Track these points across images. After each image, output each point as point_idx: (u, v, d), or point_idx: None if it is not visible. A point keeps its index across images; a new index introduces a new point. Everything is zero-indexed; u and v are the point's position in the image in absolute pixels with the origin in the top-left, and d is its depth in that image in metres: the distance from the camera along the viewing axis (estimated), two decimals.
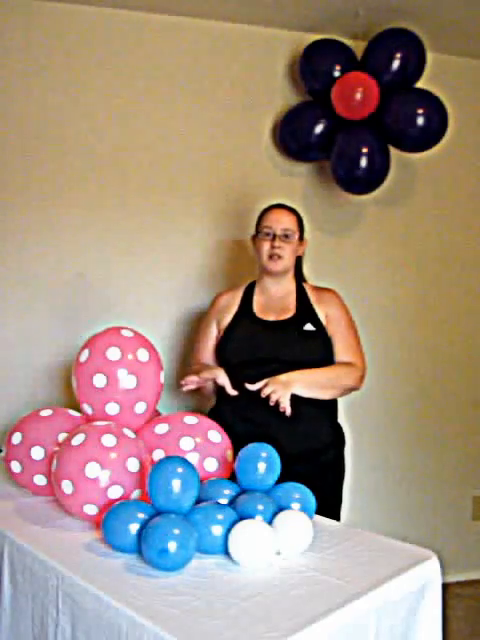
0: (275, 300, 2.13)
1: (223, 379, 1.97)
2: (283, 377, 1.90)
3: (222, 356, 2.09)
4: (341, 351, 2.05)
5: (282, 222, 2.08)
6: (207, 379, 1.99)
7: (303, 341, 2.02)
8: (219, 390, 2.15)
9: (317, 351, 2.02)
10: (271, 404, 1.84)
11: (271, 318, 2.08)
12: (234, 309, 2.14)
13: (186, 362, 2.55)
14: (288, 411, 1.84)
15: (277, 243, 2.06)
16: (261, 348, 2.01)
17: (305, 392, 1.93)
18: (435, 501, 3.07)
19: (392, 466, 3.00)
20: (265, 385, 1.87)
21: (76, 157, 2.53)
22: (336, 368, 2.04)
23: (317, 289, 2.16)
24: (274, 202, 2.16)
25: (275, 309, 2.10)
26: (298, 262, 2.19)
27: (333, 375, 2.02)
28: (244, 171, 2.74)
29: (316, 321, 2.06)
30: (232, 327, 2.10)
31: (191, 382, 1.97)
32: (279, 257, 2.06)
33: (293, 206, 2.15)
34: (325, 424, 2.06)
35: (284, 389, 1.86)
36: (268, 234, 2.08)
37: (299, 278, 2.19)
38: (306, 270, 2.24)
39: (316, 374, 1.98)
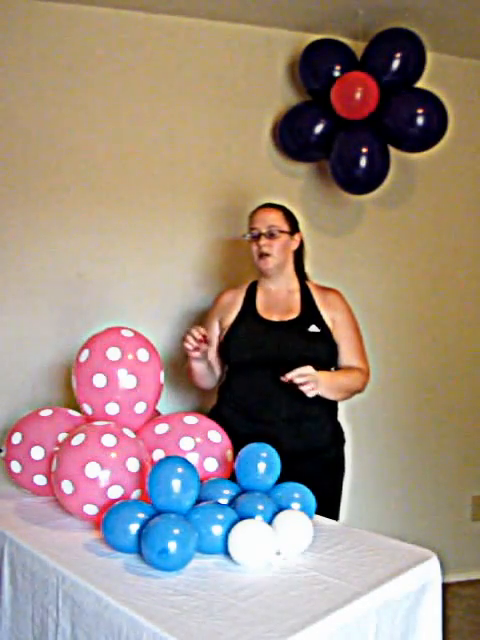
0: (278, 299, 2.12)
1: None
2: (316, 374, 1.86)
3: (225, 355, 2.09)
4: (348, 356, 2.05)
5: (266, 220, 2.08)
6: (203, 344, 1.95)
7: (307, 342, 2.01)
8: (220, 389, 2.15)
9: (321, 353, 2.01)
10: (305, 389, 1.82)
11: (275, 318, 2.07)
12: (237, 308, 2.13)
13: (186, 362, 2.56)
14: (310, 394, 1.83)
15: (262, 242, 2.06)
16: (265, 348, 2.00)
17: (324, 393, 1.92)
18: (435, 501, 3.07)
19: (392, 466, 3.00)
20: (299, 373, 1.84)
21: (76, 157, 2.53)
22: (351, 373, 2.04)
23: (321, 289, 2.15)
24: (262, 202, 2.15)
25: (279, 309, 2.09)
26: (298, 258, 2.18)
27: (349, 380, 2.02)
28: (244, 171, 2.74)
29: (321, 323, 2.05)
30: (235, 326, 2.09)
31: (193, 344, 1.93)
32: (267, 255, 2.06)
33: (281, 203, 2.15)
34: (327, 423, 2.06)
35: (316, 383, 1.84)
36: (254, 235, 2.09)
37: (301, 276, 2.18)
38: (306, 270, 2.23)
39: (338, 379, 1.99)
